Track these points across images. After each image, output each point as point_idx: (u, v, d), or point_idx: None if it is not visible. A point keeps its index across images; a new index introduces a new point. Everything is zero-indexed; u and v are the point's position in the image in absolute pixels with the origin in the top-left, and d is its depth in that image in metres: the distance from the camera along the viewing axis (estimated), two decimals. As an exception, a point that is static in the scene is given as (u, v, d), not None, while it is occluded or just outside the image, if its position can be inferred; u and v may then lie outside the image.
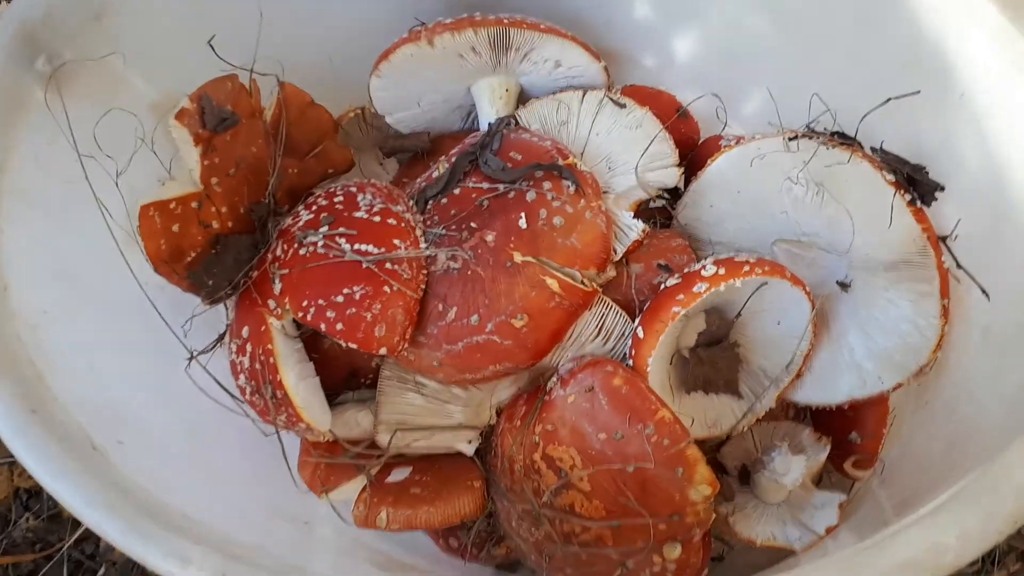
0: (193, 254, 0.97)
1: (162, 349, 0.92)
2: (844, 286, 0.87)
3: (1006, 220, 0.71)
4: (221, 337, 1.02)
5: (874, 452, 0.95)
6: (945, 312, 0.78)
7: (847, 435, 0.96)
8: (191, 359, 0.96)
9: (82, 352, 0.78)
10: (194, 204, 0.96)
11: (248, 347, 0.92)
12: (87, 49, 0.86)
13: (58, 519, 1.38)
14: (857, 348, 0.86)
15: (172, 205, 0.94)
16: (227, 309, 1.04)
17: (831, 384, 0.88)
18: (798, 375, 0.90)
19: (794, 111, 0.84)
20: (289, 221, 0.97)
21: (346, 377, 1.04)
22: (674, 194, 1.06)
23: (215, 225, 0.98)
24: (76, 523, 1.36)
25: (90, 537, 1.35)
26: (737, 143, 0.91)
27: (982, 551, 0.47)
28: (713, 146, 1.01)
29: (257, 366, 0.92)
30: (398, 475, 0.97)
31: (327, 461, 0.97)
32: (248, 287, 0.96)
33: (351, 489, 0.96)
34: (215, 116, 0.95)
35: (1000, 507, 0.48)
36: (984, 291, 0.74)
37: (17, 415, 0.62)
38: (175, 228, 0.95)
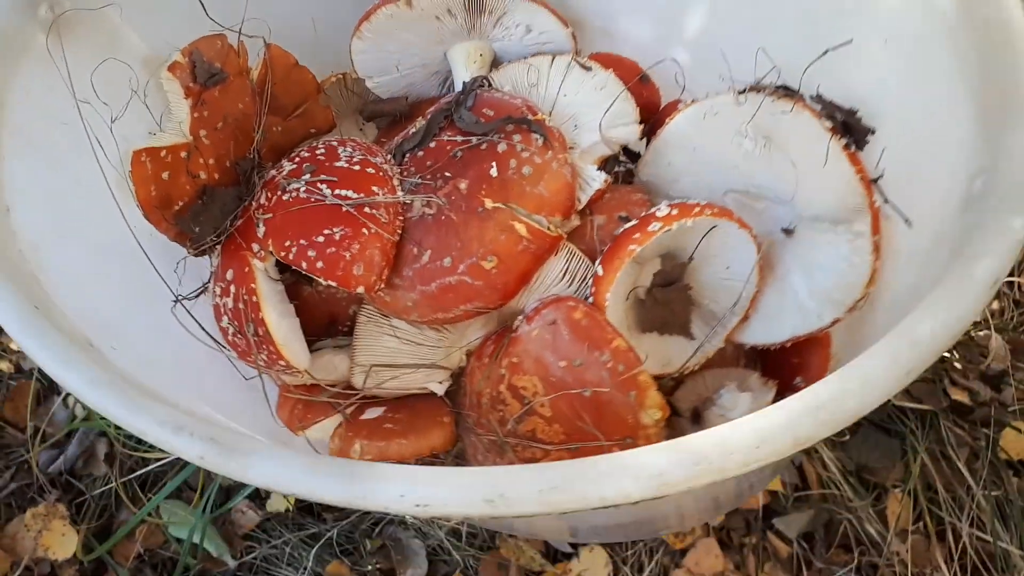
0: (181, 202, 1.02)
1: (151, 287, 0.97)
2: (788, 232, 0.94)
3: (926, 156, 0.78)
4: (205, 285, 1.07)
5: (819, 395, 1.02)
6: (876, 248, 0.85)
7: (793, 380, 1.02)
8: (176, 302, 1.01)
9: (76, 277, 0.83)
10: (183, 154, 1.01)
11: (232, 288, 0.97)
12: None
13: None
14: (800, 288, 0.93)
15: (163, 153, 0.99)
16: (211, 259, 1.09)
17: (776, 323, 0.95)
18: (745, 317, 0.96)
19: (748, 68, 0.91)
20: (273, 172, 1.03)
21: (325, 324, 1.09)
22: (636, 158, 1.13)
23: (202, 176, 1.04)
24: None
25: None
26: (692, 103, 0.99)
27: (884, 396, 0.53)
28: (672, 109, 1.07)
29: (240, 305, 0.97)
30: (372, 413, 1.02)
31: (305, 399, 1.03)
32: (233, 235, 1.01)
33: (327, 427, 1.01)
34: (205, 71, 1.01)
35: (898, 359, 0.54)
36: (907, 220, 0.81)
37: (23, 308, 0.67)
38: (165, 176, 1.00)
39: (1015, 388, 1.37)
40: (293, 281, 1.06)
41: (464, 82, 1.04)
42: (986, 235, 0.59)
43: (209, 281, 1.06)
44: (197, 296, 1.05)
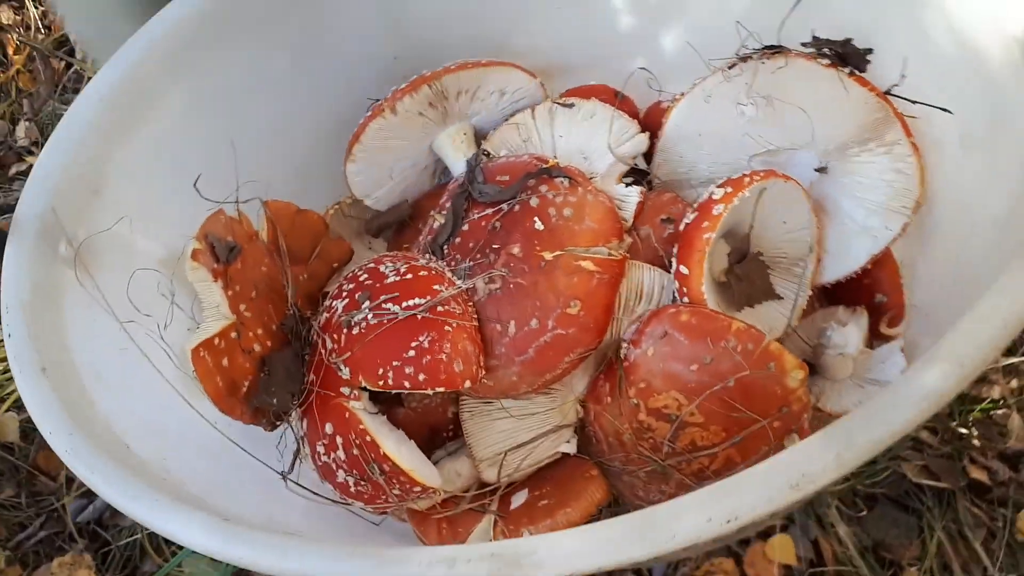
0: (246, 383, 0.99)
1: (260, 477, 0.93)
2: (822, 170, 0.99)
3: (943, 42, 0.84)
4: (297, 452, 1.03)
5: (901, 304, 1.06)
6: (915, 148, 0.91)
7: (873, 300, 1.06)
8: (284, 478, 0.97)
9: (195, 486, 0.80)
10: (233, 335, 0.99)
11: (338, 440, 0.94)
12: (96, 223, 0.90)
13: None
14: (856, 214, 0.97)
15: (216, 341, 0.96)
16: (290, 426, 1.05)
17: (847, 254, 0.99)
18: (818, 260, 1.00)
19: (722, 48, 0.97)
20: (324, 315, 1.01)
21: (428, 438, 1.06)
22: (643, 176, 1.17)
23: (257, 349, 1.01)
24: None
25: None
26: (680, 97, 1.04)
27: (893, 438, 0.56)
28: (656, 111, 1.13)
29: (355, 452, 0.94)
30: (519, 500, 1.00)
31: (447, 515, 0.99)
32: (313, 392, 0.99)
33: (482, 532, 0.98)
34: (224, 248, 0.99)
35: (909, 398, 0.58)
36: (946, 109, 0.87)
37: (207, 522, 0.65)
38: (224, 362, 0.97)
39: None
40: (384, 410, 1.03)
41: (467, 161, 1.06)
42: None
43: (299, 447, 1.02)
44: (293, 468, 1.02)
